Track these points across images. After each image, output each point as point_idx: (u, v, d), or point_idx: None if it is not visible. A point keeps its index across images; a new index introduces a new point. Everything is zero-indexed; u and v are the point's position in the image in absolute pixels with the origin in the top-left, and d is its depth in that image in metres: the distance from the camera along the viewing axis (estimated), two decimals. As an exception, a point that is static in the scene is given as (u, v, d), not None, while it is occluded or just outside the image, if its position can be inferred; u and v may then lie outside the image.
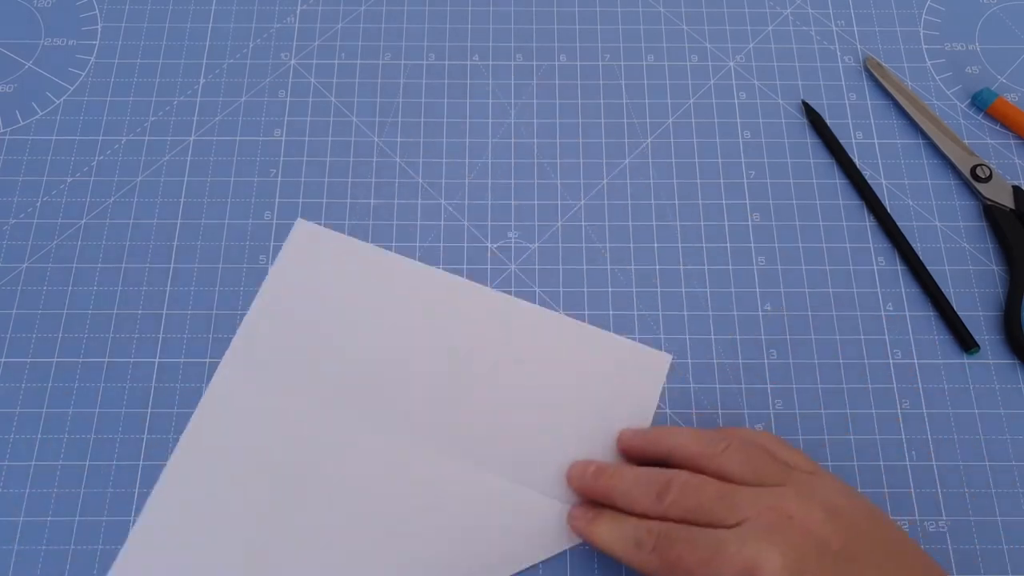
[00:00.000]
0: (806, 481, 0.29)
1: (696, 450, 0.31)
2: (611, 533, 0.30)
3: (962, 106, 0.43)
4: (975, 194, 0.40)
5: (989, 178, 0.40)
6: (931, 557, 0.29)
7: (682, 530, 0.28)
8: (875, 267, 0.39)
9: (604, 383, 0.37)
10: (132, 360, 0.37)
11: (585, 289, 0.39)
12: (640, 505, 0.30)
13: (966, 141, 0.42)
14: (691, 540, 0.27)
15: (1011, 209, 0.39)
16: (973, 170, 0.40)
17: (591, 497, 0.33)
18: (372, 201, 0.41)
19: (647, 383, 0.37)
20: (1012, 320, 0.37)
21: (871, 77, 0.43)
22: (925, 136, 0.42)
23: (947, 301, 0.38)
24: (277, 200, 0.41)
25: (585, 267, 0.39)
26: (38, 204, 0.40)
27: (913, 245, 0.40)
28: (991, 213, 0.39)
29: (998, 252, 0.40)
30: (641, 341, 0.38)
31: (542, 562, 0.34)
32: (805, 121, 0.43)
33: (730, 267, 0.40)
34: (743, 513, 0.27)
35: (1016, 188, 0.40)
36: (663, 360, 0.37)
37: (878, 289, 0.39)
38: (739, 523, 0.27)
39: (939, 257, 0.40)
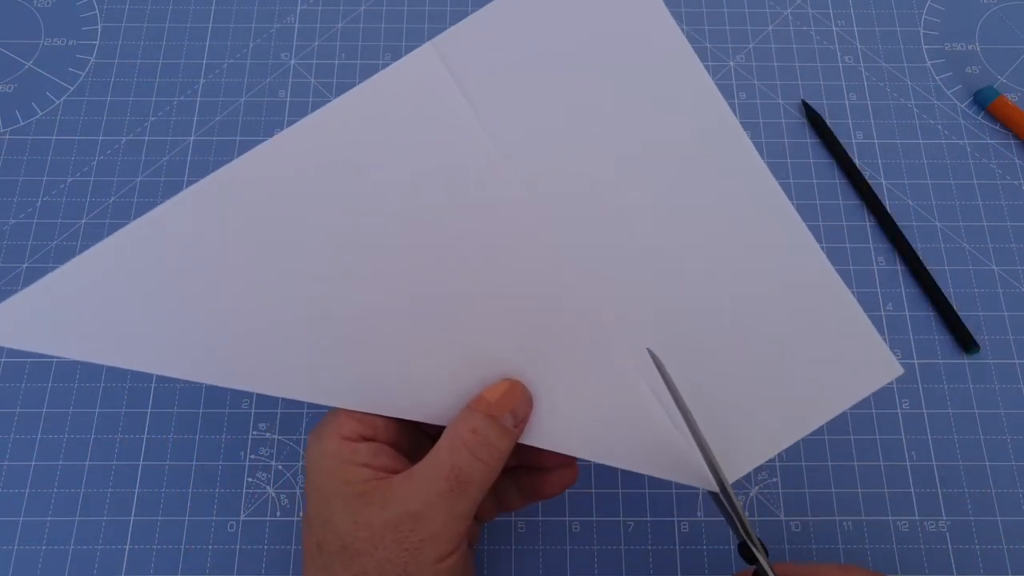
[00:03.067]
0: None
1: None
2: None
3: (962, 106, 0.43)
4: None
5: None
6: None
7: None
8: (875, 267, 0.39)
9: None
10: (132, 360, 0.37)
11: (585, 289, 0.39)
12: None
13: (966, 141, 0.42)
14: None
15: None
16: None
17: None
18: (372, 201, 0.41)
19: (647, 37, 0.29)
20: None
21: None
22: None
23: (947, 301, 0.38)
24: (277, 200, 0.41)
25: (585, 267, 0.39)
26: (38, 204, 0.40)
27: (913, 245, 0.40)
28: None
29: (999, 252, 0.40)
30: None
31: (542, 561, 0.34)
32: (805, 121, 0.43)
33: (730, 267, 0.40)
34: None
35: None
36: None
37: (878, 289, 0.39)
38: None
39: (939, 257, 0.40)
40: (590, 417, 0.27)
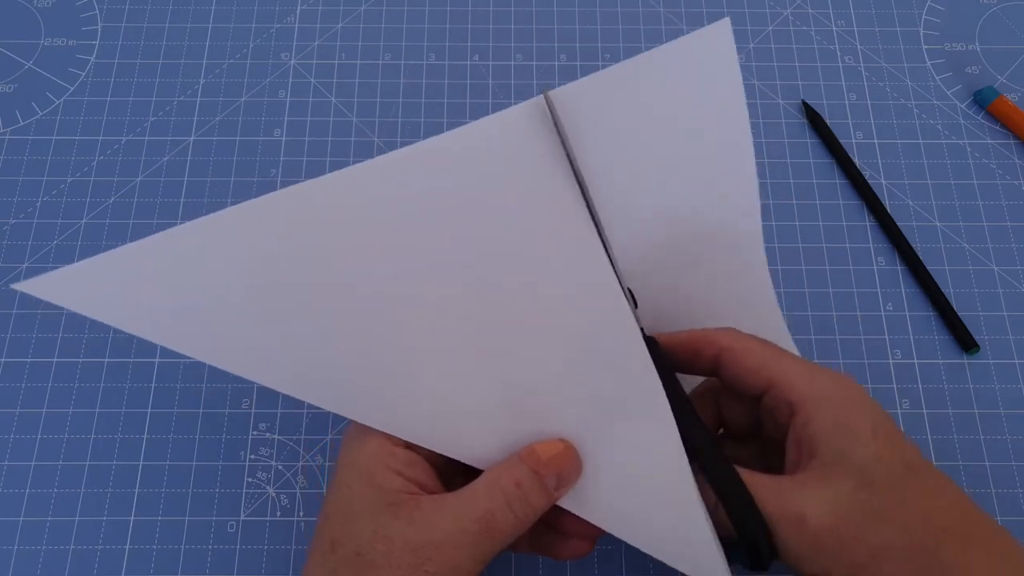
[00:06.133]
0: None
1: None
2: None
3: (962, 106, 0.43)
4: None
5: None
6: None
7: None
8: (875, 267, 0.39)
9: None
10: (132, 360, 0.37)
11: (585, 289, 0.39)
12: None
13: (966, 141, 0.42)
14: None
15: None
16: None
17: None
18: (372, 201, 0.41)
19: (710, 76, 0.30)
20: None
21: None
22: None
23: (947, 301, 0.38)
24: (277, 200, 0.41)
25: (585, 267, 0.39)
26: (38, 204, 0.40)
27: (913, 245, 0.40)
28: None
29: (999, 252, 0.40)
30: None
31: (542, 560, 0.34)
32: (805, 121, 0.43)
33: (730, 267, 0.39)
34: None
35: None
36: (721, 31, 0.31)
37: (878, 289, 0.39)
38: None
39: (939, 257, 0.40)
40: (630, 496, 0.27)
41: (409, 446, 0.26)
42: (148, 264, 0.27)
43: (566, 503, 0.27)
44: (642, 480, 0.27)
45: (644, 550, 0.26)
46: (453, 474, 0.28)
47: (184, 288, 0.27)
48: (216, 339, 0.27)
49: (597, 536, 0.28)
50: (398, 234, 0.28)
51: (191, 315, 0.27)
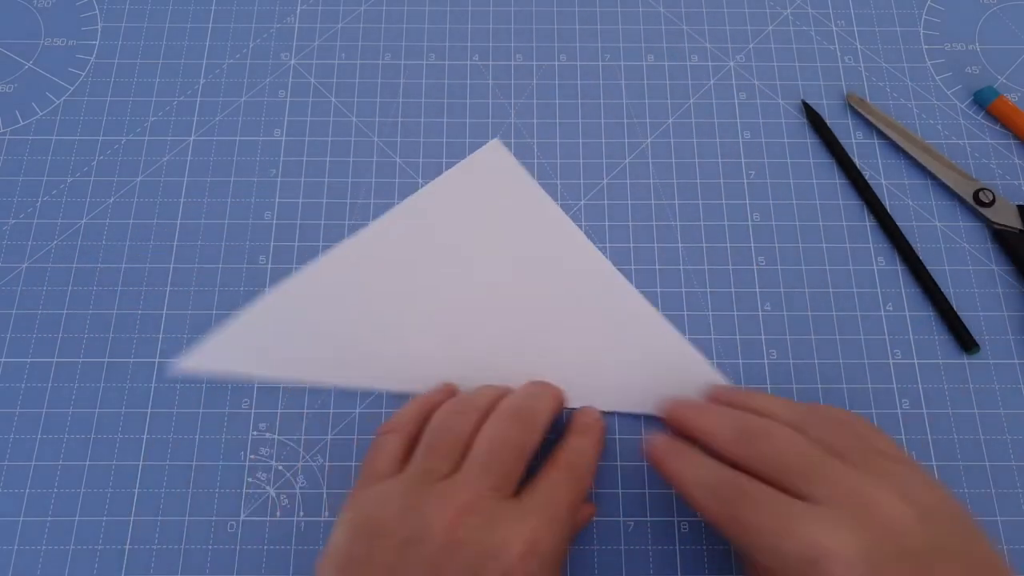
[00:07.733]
0: (893, 471, 0.27)
1: (783, 418, 0.30)
2: (690, 471, 0.29)
3: (962, 106, 0.43)
4: (980, 218, 0.40)
5: (993, 202, 0.40)
6: (1011, 572, 0.26)
7: (757, 488, 0.27)
8: (875, 267, 0.39)
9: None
10: (132, 360, 0.37)
11: (585, 289, 0.39)
12: (725, 443, 0.29)
13: (966, 141, 0.42)
14: (762, 501, 0.26)
15: (1020, 230, 0.38)
16: (976, 195, 0.40)
17: (679, 424, 0.32)
18: (372, 201, 0.41)
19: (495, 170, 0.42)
20: None
21: (855, 113, 0.43)
22: (921, 166, 0.42)
23: (947, 301, 0.38)
24: (277, 200, 0.41)
25: (585, 267, 0.39)
26: (38, 204, 0.40)
27: (913, 245, 0.40)
28: (1001, 237, 0.39)
29: (999, 252, 0.40)
30: (641, 341, 0.37)
31: (542, 562, 0.34)
32: (805, 121, 0.43)
33: (730, 267, 0.40)
34: (823, 489, 0.26)
35: (1022, 207, 0.40)
36: (492, 148, 0.42)
37: (878, 289, 0.39)
38: (816, 499, 0.26)
39: (939, 257, 0.40)
40: (636, 376, 0.37)
41: None
42: (261, 326, 0.38)
43: (588, 401, 0.36)
44: (641, 361, 0.37)
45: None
46: None
47: (291, 334, 0.38)
48: (317, 364, 0.37)
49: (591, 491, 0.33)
50: (430, 240, 0.40)
51: (302, 352, 0.37)
